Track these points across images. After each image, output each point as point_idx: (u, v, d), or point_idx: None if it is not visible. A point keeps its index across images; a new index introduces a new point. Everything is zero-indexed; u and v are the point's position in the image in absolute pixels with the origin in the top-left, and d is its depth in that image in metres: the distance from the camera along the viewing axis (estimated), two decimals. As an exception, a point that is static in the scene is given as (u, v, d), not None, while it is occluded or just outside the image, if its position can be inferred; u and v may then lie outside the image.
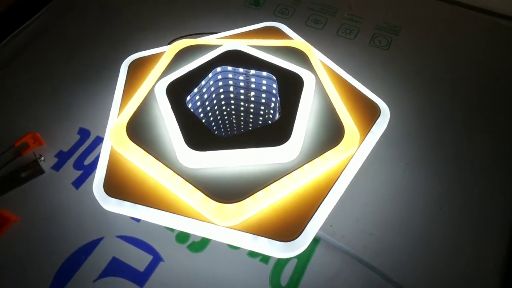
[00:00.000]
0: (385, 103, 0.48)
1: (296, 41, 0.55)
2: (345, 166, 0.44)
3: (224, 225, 0.40)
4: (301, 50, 0.53)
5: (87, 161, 0.51)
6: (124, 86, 0.51)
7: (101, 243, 0.45)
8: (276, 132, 0.43)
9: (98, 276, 0.43)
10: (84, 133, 0.54)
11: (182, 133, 0.43)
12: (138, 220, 0.47)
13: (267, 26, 0.58)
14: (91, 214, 0.47)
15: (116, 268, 0.43)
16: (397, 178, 0.50)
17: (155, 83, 0.49)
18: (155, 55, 0.54)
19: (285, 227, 0.40)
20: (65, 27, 0.68)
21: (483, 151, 0.51)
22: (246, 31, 0.57)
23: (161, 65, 0.52)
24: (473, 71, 0.59)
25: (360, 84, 0.51)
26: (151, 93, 0.48)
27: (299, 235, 0.40)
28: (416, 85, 0.58)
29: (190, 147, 0.42)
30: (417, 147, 0.52)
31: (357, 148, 0.45)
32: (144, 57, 0.54)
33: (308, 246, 0.45)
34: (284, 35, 0.57)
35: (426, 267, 0.44)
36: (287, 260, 0.44)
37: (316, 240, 0.45)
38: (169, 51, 0.53)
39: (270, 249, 0.39)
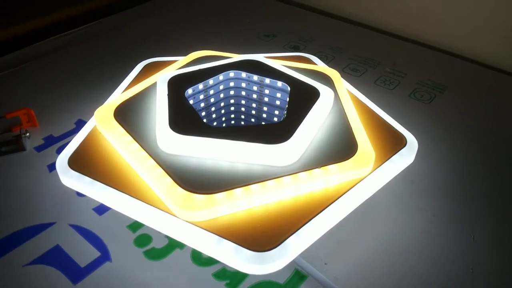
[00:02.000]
0: (420, 148, 0.41)
1: (325, 67, 0.50)
2: (351, 187, 0.36)
3: (186, 219, 0.32)
4: (327, 75, 0.48)
5: (72, 149, 0.47)
6: (132, 81, 0.49)
7: (50, 228, 0.38)
8: (274, 132, 0.37)
9: (31, 261, 0.36)
10: (81, 125, 0.50)
11: (169, 116, 0.38)
12: (100, 213, 0.40)
13: (297, 55, 0.55)
14: (52, 198, 0.41)
15: (55, 257, 0.36)
16: (419, 229, 0.40)
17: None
18: (172, 61, 0.52)
19: (260, 235, 0.32)
20: (109, 38, 0.71)
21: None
22: (274, 56, 0.54)
23: (173, 66, 0.49)
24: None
25: (387, 116, 0.44)
26: (153, 85, 0.45)
27: (275, 247, 0.31)
28: (458, 139, 0.50)
29: (172, 129, 0.36)
30: (451, 200, 0.43)
31: (370, 172, 0.37)
32: (160, 61, 0.52)
33: (291, 281, 0.36)
34: (313, 63, 0.53)
35: None
36: (259, 291, 0.34)
37: (302, 276, 0.36)
38: (186, 57, 0.50)
39: (235, 257, 0.31)
